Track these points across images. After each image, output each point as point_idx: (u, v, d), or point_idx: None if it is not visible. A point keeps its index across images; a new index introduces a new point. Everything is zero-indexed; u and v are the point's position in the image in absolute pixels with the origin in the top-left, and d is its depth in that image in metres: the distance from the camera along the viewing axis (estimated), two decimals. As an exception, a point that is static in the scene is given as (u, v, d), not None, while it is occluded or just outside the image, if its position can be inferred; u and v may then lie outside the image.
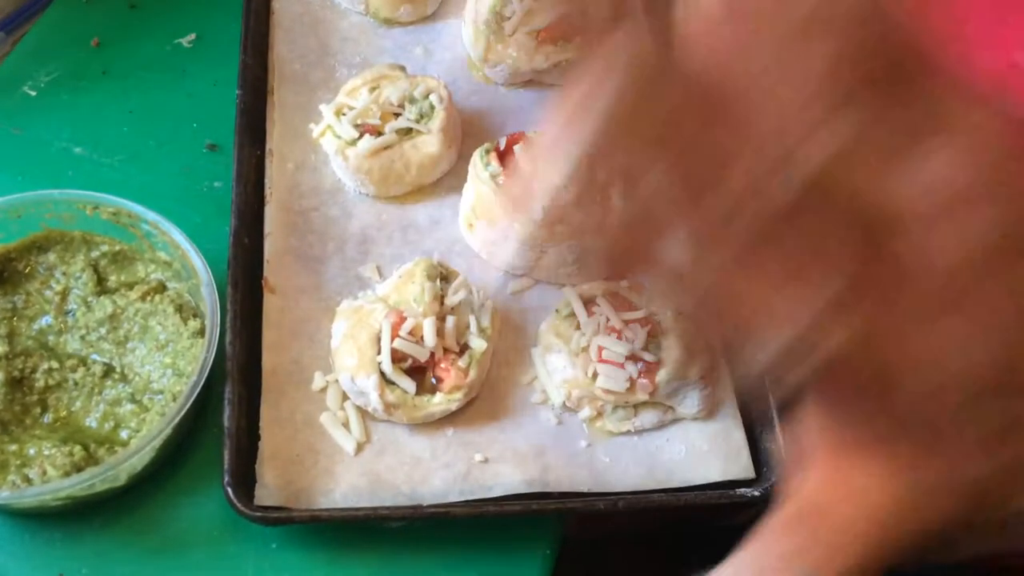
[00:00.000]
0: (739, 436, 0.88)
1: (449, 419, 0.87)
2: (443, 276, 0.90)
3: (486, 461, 0.85)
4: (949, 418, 0.42)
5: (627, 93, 0.37)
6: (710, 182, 0.37)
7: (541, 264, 0.94)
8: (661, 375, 0.85)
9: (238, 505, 0.80)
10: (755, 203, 0.36)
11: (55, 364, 0.88)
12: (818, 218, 0.38)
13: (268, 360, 0.88)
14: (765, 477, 0.85)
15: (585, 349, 0.86)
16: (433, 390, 0.86)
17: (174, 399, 0.84)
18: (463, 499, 0.83)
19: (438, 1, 1.13)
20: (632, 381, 0.85)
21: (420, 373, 0.86)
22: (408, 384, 0.85)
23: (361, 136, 0.96)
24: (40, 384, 0.87)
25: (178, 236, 0.89)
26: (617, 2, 0.38)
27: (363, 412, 0.87)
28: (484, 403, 0.89)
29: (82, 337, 0.90)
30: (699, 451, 0.87)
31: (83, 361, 0.89)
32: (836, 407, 0.45)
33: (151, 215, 0.90)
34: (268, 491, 0.82)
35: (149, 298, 0.90)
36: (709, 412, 0.88)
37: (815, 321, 0.37)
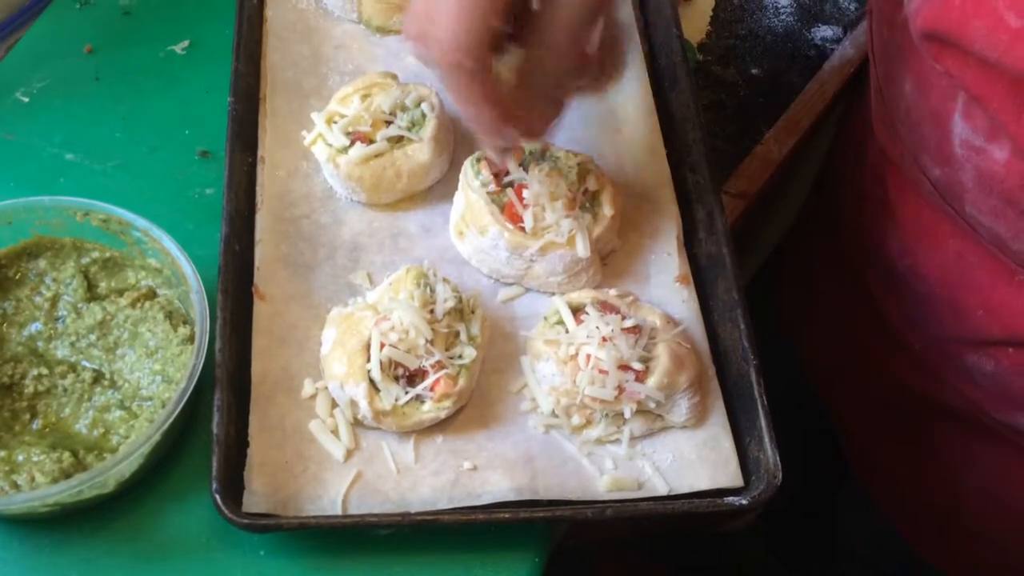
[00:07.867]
0: (728, 445, 0.88)
1: (438, 427, 0.87)
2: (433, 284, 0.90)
3: (475, 469, 0.85)
4: None
5: None
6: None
7: (531, 273, 0.94)
8: (649, 384, 0.85)
9: (226, 512, 0.80)
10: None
11: (45, 370, 0.88)
12: None
13: (257, 367, 0.88)
14: (753, 486, 0.85)
15: (574, 357, 0.86)
16: (422, 398, 0.86)
17: (163, 405, 0.85)
18: (452, 507, 0.83)
19: (431, 9, 1.13)
20: (620, 389, 0.85)
21: (410, 381, 0.86)
22: (398, 392, 0.85)
23: (352, 144, 0.97)
24: (29, 390, 0.88)
25: (168, 243, 0.89)
26: None
27: (352, 419, 0.87)
28: (473, 411, 0.89)
29: (72, 343, 0.90)
30: (687, 459, 0.87)
31: (73, 367, 0.89)
32: None
33: (141, 222, 0.90)
34: (256, 498, 0.82)
35: (139, 305, 0.91)
36: (697, 421, 0.88)
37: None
